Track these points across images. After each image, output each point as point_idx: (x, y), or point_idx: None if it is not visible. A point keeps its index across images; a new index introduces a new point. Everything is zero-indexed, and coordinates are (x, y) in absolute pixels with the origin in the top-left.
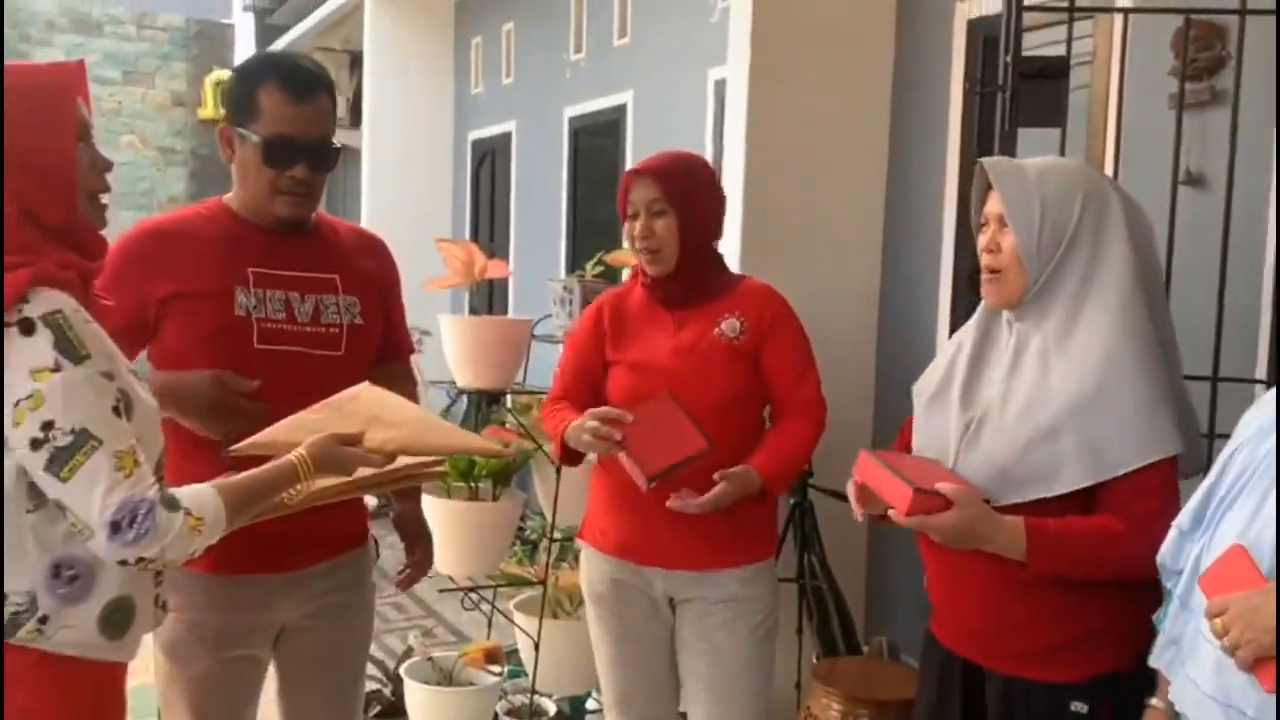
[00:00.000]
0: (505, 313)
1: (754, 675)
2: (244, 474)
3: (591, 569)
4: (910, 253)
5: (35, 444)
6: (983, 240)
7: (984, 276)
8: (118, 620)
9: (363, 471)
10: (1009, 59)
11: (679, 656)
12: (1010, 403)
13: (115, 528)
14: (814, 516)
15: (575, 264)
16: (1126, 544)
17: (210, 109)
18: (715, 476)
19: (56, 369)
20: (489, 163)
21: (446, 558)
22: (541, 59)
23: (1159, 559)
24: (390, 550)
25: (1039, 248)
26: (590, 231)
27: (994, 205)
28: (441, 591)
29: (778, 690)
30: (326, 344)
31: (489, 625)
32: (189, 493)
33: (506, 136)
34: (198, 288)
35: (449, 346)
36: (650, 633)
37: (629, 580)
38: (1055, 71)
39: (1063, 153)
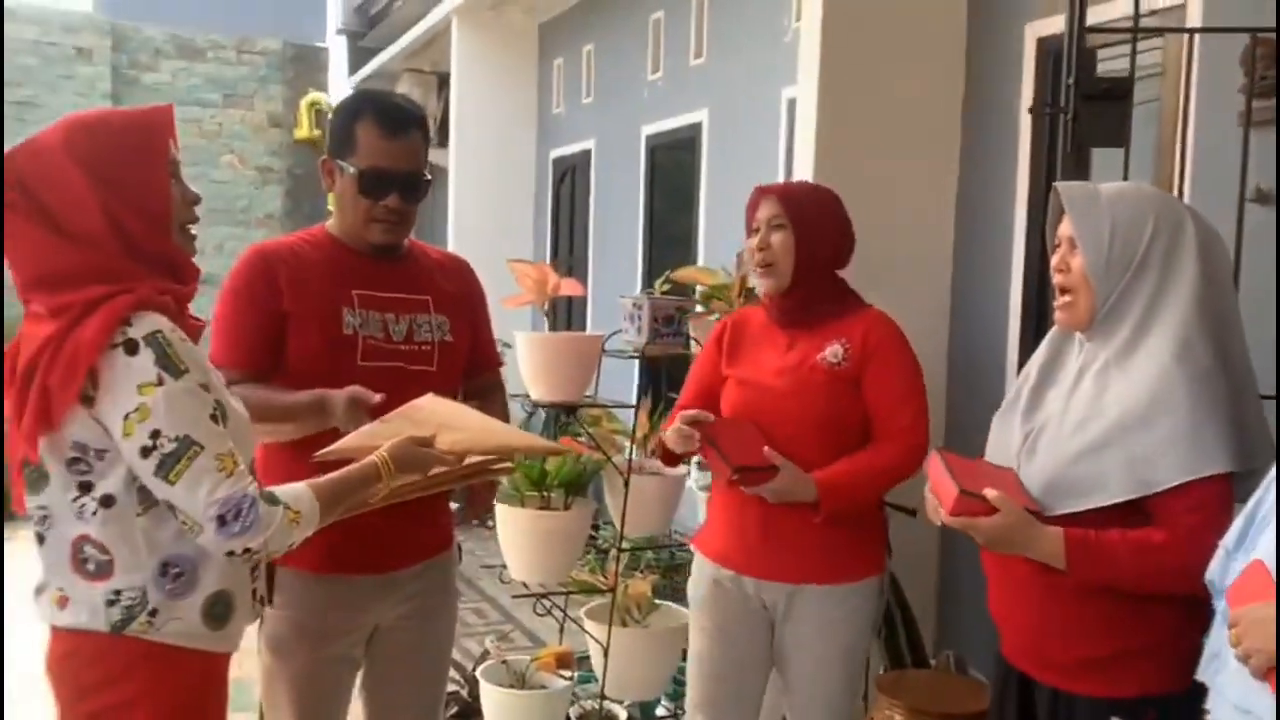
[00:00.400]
0: (584, 328)
1: (842, 692)
2: (332, 474)
3: (697, 572)
4: (980, 273)
5: (145, 452)
6: (1055, 260)
7: (1056, 299)
8: (219, 612)
9: (436, 470)
10: (1071, 81)
11: (776, 661)
12: (1067, 417)
13: (221, 522)
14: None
15: (651, 278)
16: (1166, 556)
17: (305, 130)
18: (777, 464)
19: (160, 383)
20: (569, 180)
21: (519, 564)
22: (620, 79)
23: (1208, 577)
24: (470, 555)
25: (1107, 269)
26: (666, 246)
27: (1066, 227)
28: (514, 597)
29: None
30: (421, 360)
31: (561, 631)
32: (285, 490)
33: (586, 154)
34: (311, 308)
35: (523, 361)
36: (743, 637)
37: (728, 585)
38: (1118, 92)
39: (1126, 172)
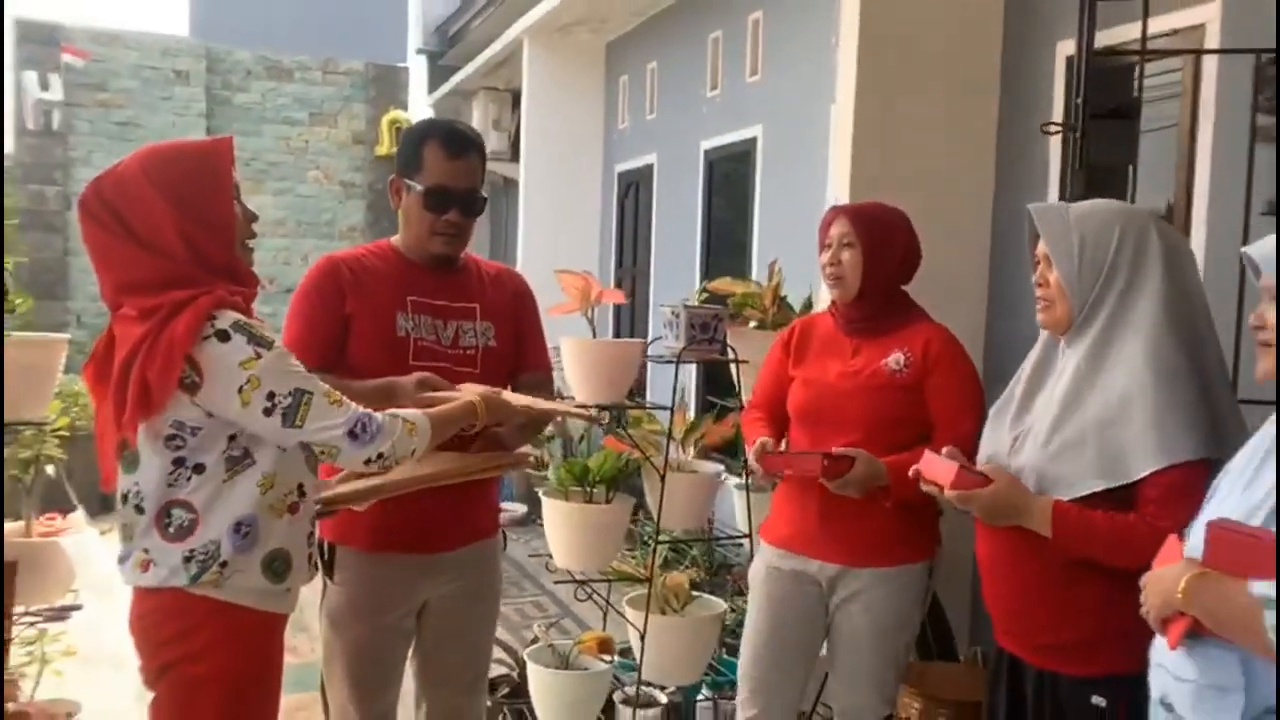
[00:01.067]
0: (646, 334)
1: (884, 669)
2: (438, 407)
3: (758, 558)
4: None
5: (267, 412)
6: (1035, 275)
7: (1038, 305)
8: (278, 568)
9: (451, 464)
10: (1079, 100)
11: (828, 639)
12: (1049, 417)
13: (353, 436)
14: None
15: None
16: (1135, 534)
17: (386, 146)
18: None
19: (258, 356)
20: (633, 193)
21: (563, 553)
22: (681, 95)
23: None
24: (517, 543)
25: (1079, 279)
26: (723, 255)
27: (1042, 245)
28: (557, 583)
29: None
30: (466, 363)
31: (604, 618)
32: (401, 410)
33: (649, 168)
34: (369, 310)
35: (568, 365)
36: (793, 619)
37: (785, 569)
38: (1126, 112)
39: (1134, 189)
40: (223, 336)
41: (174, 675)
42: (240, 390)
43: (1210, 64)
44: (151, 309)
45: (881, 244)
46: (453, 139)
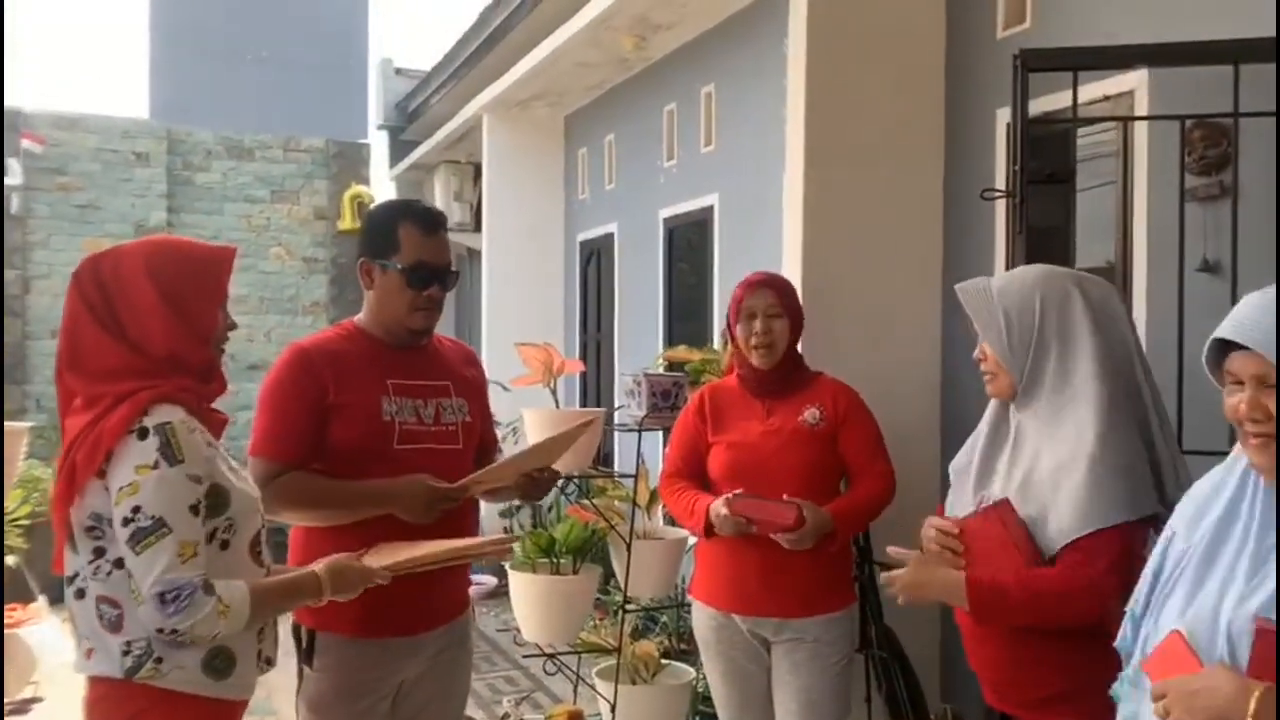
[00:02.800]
0: (611, 401)
1: (834, 702)
2: (273, 579)
3: (699, 618)
4: (966, 350)
5: (125, 521)
6: (976, 352)
7: (985, 377)
8: (219, 665)
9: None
10: (1017, 167)
11: (773, 688)
12: (1010, 486)
13: (161, 600)
14: (876, 590)
15: None
16: (1052, 594)
17: (348, 221)
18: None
19: (155, 467)
20: (595, 261)
21: (531, 626)
22: (639, 166)
23: (1117, 644)
24: (487, 615)
25: (1012, 352)
26: (685, 320)
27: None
28: (525, 657)
29: None
30: (449, 439)
31: (575, 690)
32: (225, 584)
33: (610, 237)
34: (354, 399)
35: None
36: (751, 669)
37: (729, 625)
38: (1062, 176)
39: (1073, 251)
40: (141, 434)
41: None
42: (121, 489)
43: (1141, 129)
44: (97, 396)
45: (798, 311)
46: (426, 217)
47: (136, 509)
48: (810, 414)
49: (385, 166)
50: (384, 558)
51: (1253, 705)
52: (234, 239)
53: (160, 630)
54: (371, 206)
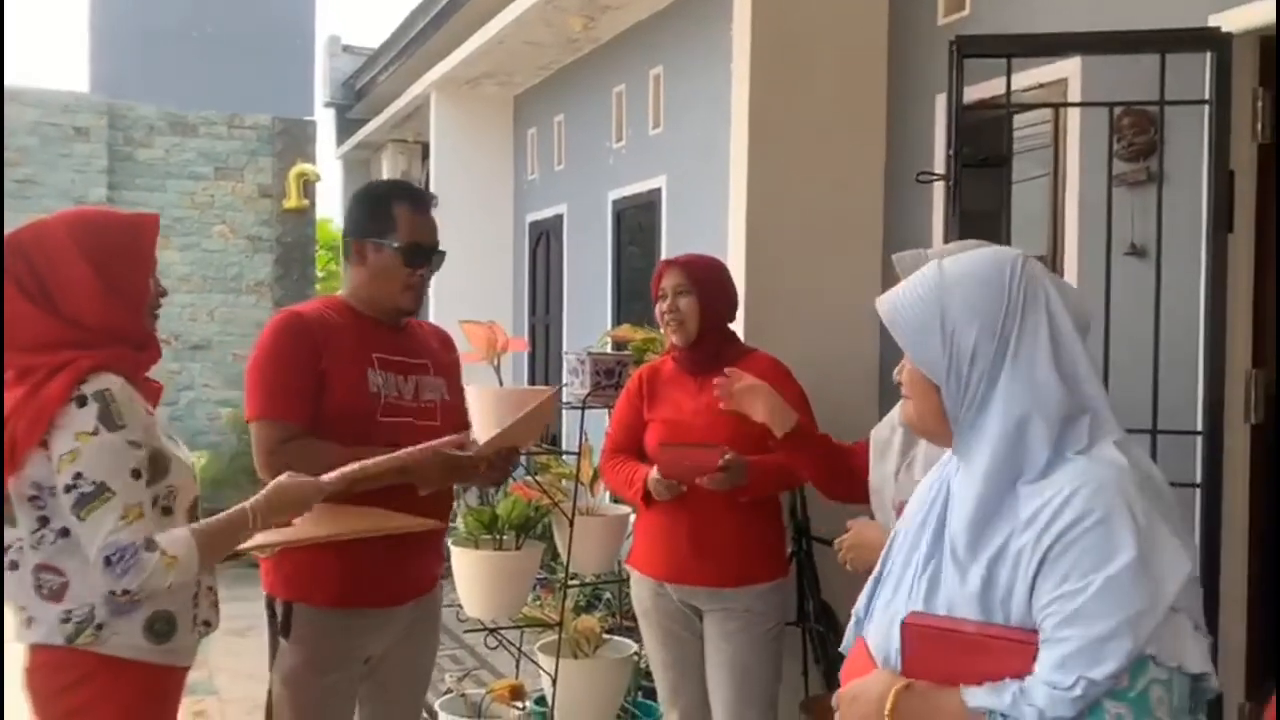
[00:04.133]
0: (560, 381)
1: (764, 671)
2: (208, 519)
3: (638, 589)
4: None
5: (67, 489)
6: None
7: None
8: (160, 629)
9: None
10: (951, 152)
11: (706, 657)
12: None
13: (108, 563)
14: (813, 564)
15: None
16: None
17: (294, 199)
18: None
19: (95, 433)
20: (544, 242)
21: (473, 601)
22: (588, 147)
23: (842, 648)
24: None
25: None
26: (633, 301)
27: None
28: (466, 631)
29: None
30: (427, 416)
31: (517, 665)
32: (166, 535)
33: (559, 218)
34: (343, 368)
35: (475, 413)
36: (685, 637)
37: (666, 595)
38: (996, 161)
39: (1008, 234)
40: (80, 401)
41: None
42: (61, 456)
43: (1074, 115)
44: (29, 369)
45: (713, 290)
46: (419, 197)
47: (78, 475)
48: None
49: (332, 144)
50: (322, 519)
51: (888, 705)
52: (177, 216)
53: (113, 593)
54: (362, 186)
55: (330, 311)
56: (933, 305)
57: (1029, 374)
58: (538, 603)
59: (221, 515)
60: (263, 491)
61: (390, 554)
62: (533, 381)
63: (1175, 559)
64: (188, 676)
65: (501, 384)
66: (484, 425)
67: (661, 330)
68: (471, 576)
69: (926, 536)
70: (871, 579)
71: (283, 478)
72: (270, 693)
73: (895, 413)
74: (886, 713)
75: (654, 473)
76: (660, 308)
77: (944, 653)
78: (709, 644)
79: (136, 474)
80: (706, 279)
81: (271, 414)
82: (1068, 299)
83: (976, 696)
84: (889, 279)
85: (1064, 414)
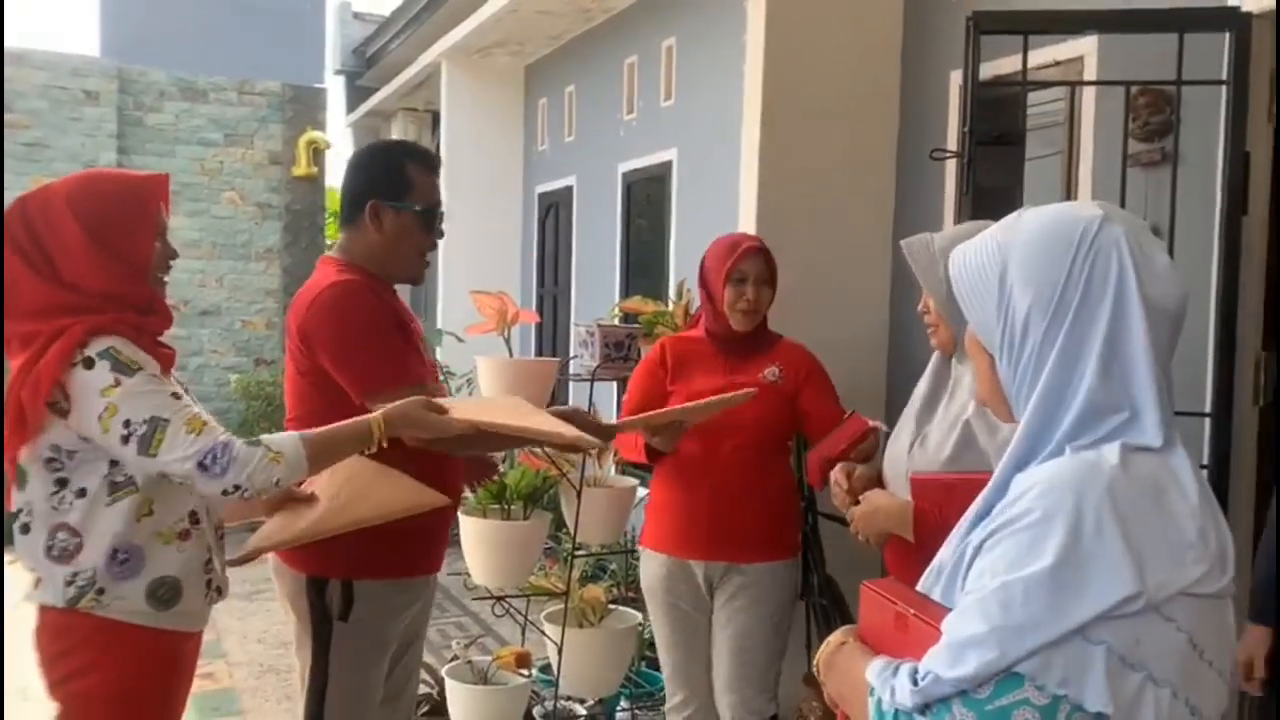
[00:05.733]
0: (567, 354)
1: (770, 645)
2: (324, 428)
3: (648, 567)
4: (914, 306)
5: (124, 440)
6: (920, 305)
7: (929, 330)
8: (164, 595)
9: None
10: (966, 129)
11: (713, 630)
12: (947, 419)
13: (202, 468)
14: (819, 540)
15: None
16: None
17: (303, 167)
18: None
19: (117, 384)
20: (554, 213)
21: (481, 570)
22: (599, 118)
23: None
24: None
25: (952, 306)
26: (641, 274)
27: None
28: (474, 599)
29: (785, 694)
30: (436, 379)
31: (523, 633)
32: (271, 436)
33: (569, 189)
34: (413, 338)
35: (484, 384)
36: (695, 616)
37: (676, 572)
38: (1010, 139)
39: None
40: (88, 364)
41: (65, 690)
42: (100, 418)
43: (1089, 94)
44: (30, 335)
45: (775, 282)
46: (428, 158)
47: (127, 423)
48: (770, 371)
49: (342, 112)
50: (317, 518)
51: (820, 658)
52: (186, 182)
53: (225, 493)
54: (366, 146)
55: (370, 280)
56: (992, 265)
57: (1075, 356)
58: (544, 572)
59: (338, 424)
60: (389, 406)
61: (434, 518)
62: (540, 353)
63: (1107, 581)
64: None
65: (511, 355)
66: (492, 394)
67: (725, 311)
68: (479, 545)
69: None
70: None
71: (414, 400)
72: (314, 679)
73: (922, 385)
74: (818, 662)
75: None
76: (736, 293)
77: (883, 621)
78: (716, 618)
79: (177, 396)
80: (774, 268)
81: (402, 380)
82: (1150, 278)
83: (873, 667)
84: (899, 256)
85: (1092, 406)
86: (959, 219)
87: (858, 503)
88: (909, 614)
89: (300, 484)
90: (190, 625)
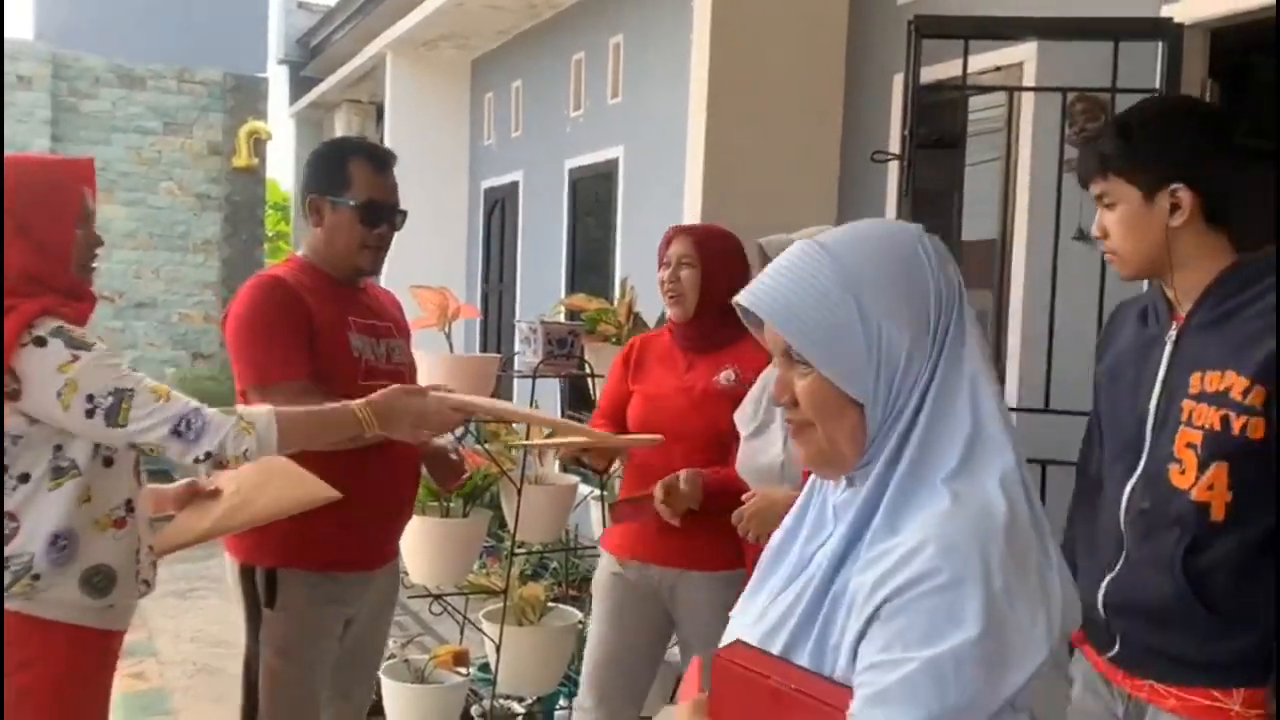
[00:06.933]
0: (511, 351)
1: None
2: (305, 408)
3: (600, 566)
4: None
5: (89, 414)
6: None
7: None
8: (99, 583)
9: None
10: (906, 132)
11: (678, 634)
12: None
13: (176, 434)
14: None
15: None
16: None
17: (244, 158)
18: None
19: (75, 359)
20: (499, 209)
21: (419, 568)
22: (545, 114)
23: None
24: None
25: None
26: (588, 271)
27: None
28: (411, 598)
29: None
30: (398, 379)
31: (461, 631)
32: (246, 408)
33: (515, 185)
34: (328, 331)
35: (424, 379)
36: (635, 623)
37: (626, 575)
38: (950, 142)
39: (960, 216)
40: (39, 342)
41: (6, 684)
42: (60, 395)
43: (1028, 100)
44: None
45: (718, 265)
46: (377, 154)
47: (90, 398)
48: (725, 375)
49: (284, 103)
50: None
51: None
52: (123, 171)
53: (197, 460)
54: (322, 143)
55: (302, 274)
56: (845, 303)
57: (955, 383)
58: (484, 570)
59: (320, 407)
60: (375, 395)
61: (375, 515)
62: (484, 350)
63: (1028, 645)
64: (124, 640)
65: (452, 351)
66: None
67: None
68: (417, 543)
69: (796, 546)
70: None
71: (393, 391)
72: (249, 666)
73: (757, 390)
74: None
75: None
76: (661, 275)
77: (750, 699)
78: (679, 622)
79: (135, 368)
80: (713, 252)
81: (277, 378)
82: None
83: None
84: None
85: (973, 435)
86: (900, 219)
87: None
88: (788, 690)
89: (209, 479)
90: (119, 623)
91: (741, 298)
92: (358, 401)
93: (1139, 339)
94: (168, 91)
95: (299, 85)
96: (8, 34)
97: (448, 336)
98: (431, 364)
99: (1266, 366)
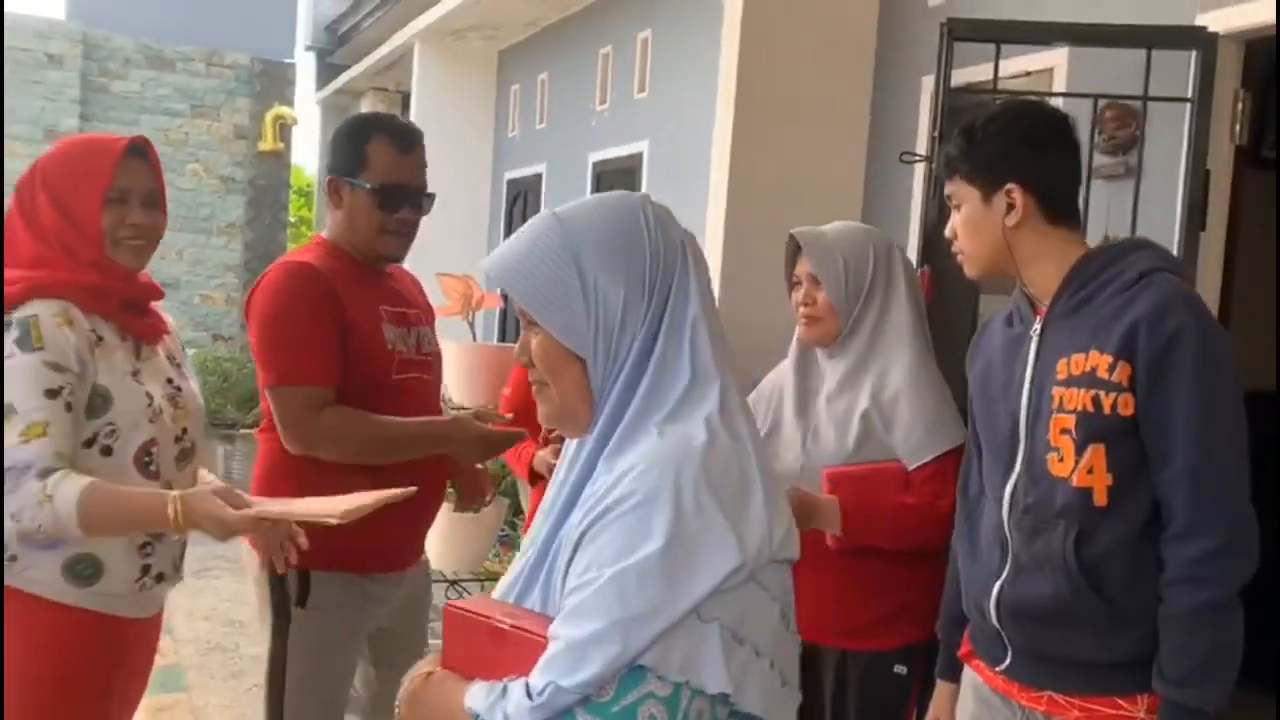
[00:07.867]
0: None
1: None
2: (119, 489)
3: None
4: None
5: None
6: (798, 296)
7: (803, 321)
8: (82, 571)
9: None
10: (936, 134)
11: None
12: (835, 413)
13: (4, 479)
14: None
15: None
16: (917, 517)
17: (270, 142)
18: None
19: (10, 355)
20: (522, 201)
21: (436, 553)
22: (571, 107)
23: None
24: None
25: (846, 298)
26: None
27: (804, 267)
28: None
29: None
30: (430, 370)
31: None
32: (63, 475)
33: (538, 177)
34: (362, 323)
35: (448, 368)
36: None
37: None
38: None
39: None
40: (6, 325)
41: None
42: None
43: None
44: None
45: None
46: (400, 134)
47: None
48: None
49: (311, 89)
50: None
51: (403, 693)
52: None
53: (12, 515)
54: (345, 120)
55: (330, 259)
56: (566, 262)
57: (678, 336)
58: (498, 558)
59: (139, 490)
60: (190, 492)
61: (404, 515)
62: (504, 339)
63: (716, 554)
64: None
65: (475, 339)
66: (458, 381)
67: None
68: (435, 529)
69: (554, 515)
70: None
71: (200, 491)
72: (274, 667)
73: (791, 380)
74: (399, 702)
75: (545, 456)
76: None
77: (474, 641)
78: None
79: (52, 394)
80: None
81: (297, 379)
82: (699, 247)
83: (473, 695)
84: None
85: (691, 384)
86: (925, 222)
87: None
88: (505, 626)
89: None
90: (124, 610)
91: (484, 263)
92: (174, 494)
93: (1005, 341)
94: (196, 74)
95: (326, 71)
96: (40, 13)
97: (471, 325)
98: (456, 353)
99: (1127, 341)
